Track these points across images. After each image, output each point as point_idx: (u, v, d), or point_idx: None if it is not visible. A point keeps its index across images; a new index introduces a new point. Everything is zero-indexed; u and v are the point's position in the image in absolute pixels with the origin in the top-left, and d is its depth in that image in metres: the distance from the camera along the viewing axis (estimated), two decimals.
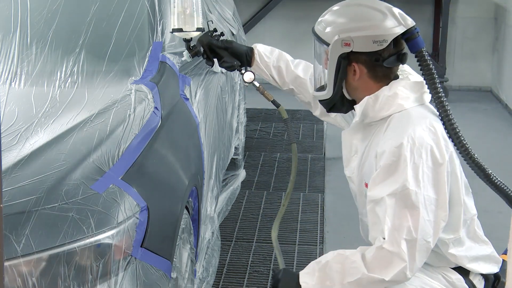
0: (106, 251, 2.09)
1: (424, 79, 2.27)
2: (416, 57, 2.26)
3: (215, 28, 2.71)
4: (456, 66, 7.75)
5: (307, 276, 2.31)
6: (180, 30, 2.62)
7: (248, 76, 2.69)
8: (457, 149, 2.23)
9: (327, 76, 2.33)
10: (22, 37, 2.94)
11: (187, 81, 3.07)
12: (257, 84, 2.71)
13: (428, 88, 2.27)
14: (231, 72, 4.15)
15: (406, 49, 2.31)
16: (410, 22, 2.27)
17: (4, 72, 2.80)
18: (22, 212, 2.04)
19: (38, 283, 1.99)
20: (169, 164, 2.60)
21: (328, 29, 2.30)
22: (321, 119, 2.77)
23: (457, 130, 2.22)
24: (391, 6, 2.31)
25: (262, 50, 2.74)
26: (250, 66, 2.75)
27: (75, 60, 2.88)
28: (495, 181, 2.26)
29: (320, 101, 2.42)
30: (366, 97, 2.30)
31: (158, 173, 2.47)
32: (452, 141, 2.23)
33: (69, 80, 2.77)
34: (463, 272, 2.37)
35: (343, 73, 2.30)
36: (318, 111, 2.70)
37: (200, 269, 3.15)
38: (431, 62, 2.25)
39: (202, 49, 2.67)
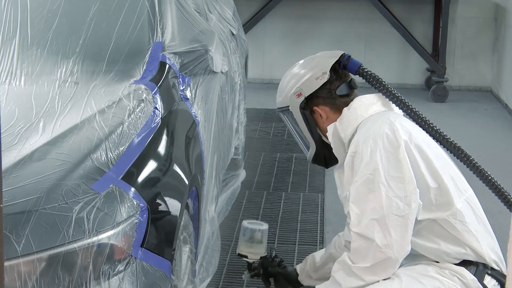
0: (106, 251, 2.09)
1: (375, 88, 2.51)
2: (359, 75, 2.54)
3: (276, 254, 3.03)
4: (456, 66, 7.75)
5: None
6: (246, 256, 2.96)
7: None
8: (421, 127, 2.46)
9: (303, 134, 2.59)
10: (22, 37, 2.93)
11: (187, 81, 3.07)
12: None
13: (383, 93, 2.50)
14: (232, 72, 4.15)
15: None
16: (338, 52, 2.59)
17: (4, 72, 2.80)
18: (22, 212, 2.04)
19: (38, 283, 1.99)
20: (169, 164, 2.60)
21: (282, 96, 2.63)
22: None
23: (418, 113, 2.47)
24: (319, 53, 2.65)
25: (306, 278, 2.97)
26: None
27: (75, 60, 2.87)
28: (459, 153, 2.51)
29: (314, 162, 2.66)
30: (332, 124, 2.51)
31: (158, 173, 2.47)
32: (417, 123, 2.47)
33: (69, 80, 2.77)
34: (478, 275, 2.40)
35: (312, 122, 2.56)
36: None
37: (200, 269, 3.15)
38: (372, 72, 2.51)
39: (261, 271, 2.97)
